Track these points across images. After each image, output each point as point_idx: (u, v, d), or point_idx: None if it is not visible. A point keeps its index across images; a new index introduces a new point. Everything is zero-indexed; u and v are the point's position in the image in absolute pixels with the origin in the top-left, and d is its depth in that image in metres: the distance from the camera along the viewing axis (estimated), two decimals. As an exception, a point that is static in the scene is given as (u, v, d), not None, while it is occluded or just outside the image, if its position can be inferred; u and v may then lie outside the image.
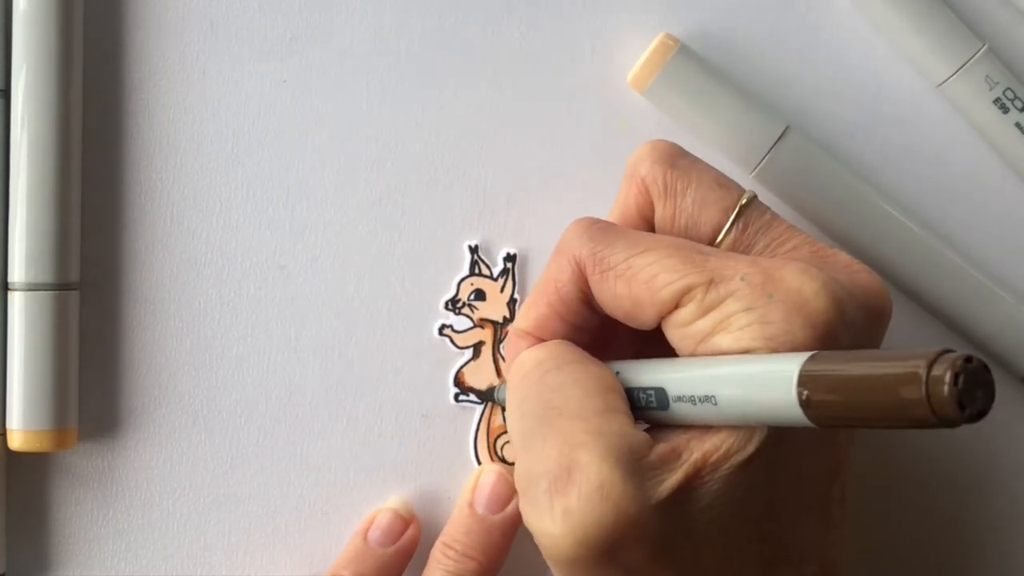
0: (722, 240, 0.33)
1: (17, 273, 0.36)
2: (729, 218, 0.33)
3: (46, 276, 0.36)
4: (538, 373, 0.32)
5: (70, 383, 0.37)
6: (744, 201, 0.33)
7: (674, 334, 0.31)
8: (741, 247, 0.33)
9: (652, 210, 0.34)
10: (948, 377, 0.22)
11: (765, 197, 0.39)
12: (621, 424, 0.29)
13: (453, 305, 0.39)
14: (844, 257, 0.32)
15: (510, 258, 0.39)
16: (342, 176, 0.39)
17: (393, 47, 0.39)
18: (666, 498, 0.28)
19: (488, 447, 0.39)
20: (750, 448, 0.29)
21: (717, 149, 0.38)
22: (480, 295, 0.39)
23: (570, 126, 0.39)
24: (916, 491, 0.40)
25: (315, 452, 0.39)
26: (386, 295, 0.39)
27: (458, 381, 0.39)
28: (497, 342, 0.39)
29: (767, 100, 0.39)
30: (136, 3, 0.38)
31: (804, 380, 0.25)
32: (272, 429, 0.39)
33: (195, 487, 0.39)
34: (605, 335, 0.34)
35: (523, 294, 0.39)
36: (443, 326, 0.39)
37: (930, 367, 0.23)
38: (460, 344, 0.39)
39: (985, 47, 0.38)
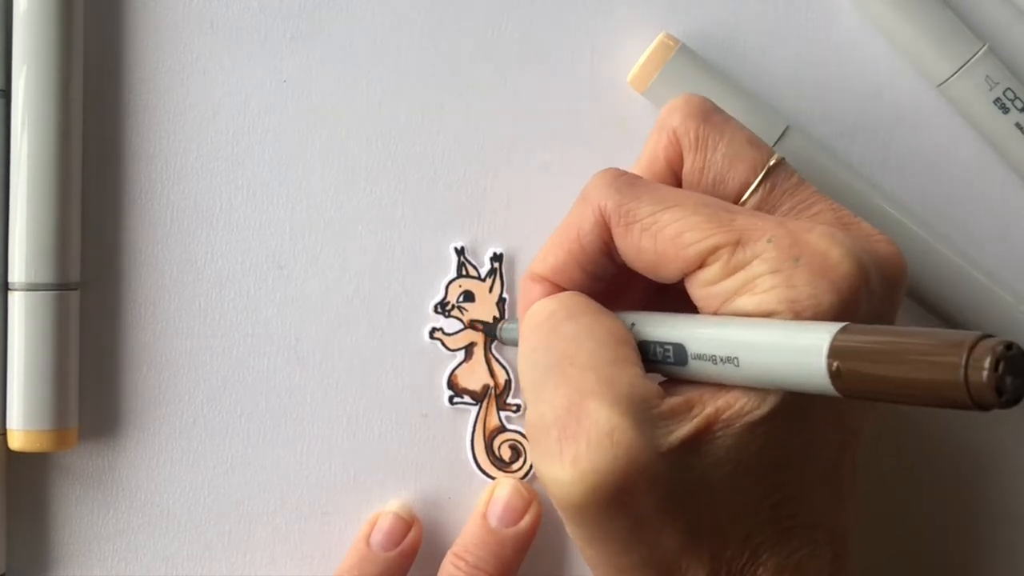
0: (748, 199, 0.33)
1: (17, 273, 0.36)
2: (757, 177, 0.33)
3: (46, 276, 0.36)
4: (551, 323, 0.32)
5: (70, 383, 0.37)
6: (773, 162, 0.33)
7: (697, 292, 0.31)
8: (766, 207, 0.33)
9: (680, 162, 0.33)
10: (988, 363, 0.22)
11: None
12: (632, 375, 0.29)
13: (442, 308, 0.39)
14: (867, 226, 0.32)
15: (497, 258, 0.39)
16: (342, 176, 0.39)
17: (393, 47, 0.39)
18: (676, 447, 0.28)
19: (484, 447, 0.39)
20: (764, 409, 0.29)
21: (717, 149, 0.38)
22: (469, 296, 0.39)
23: (570, 126, 0.39)
24: (924, 473, 0.40)
25: (315, 452, 0.39)
26: (386, 295, 0.39)
27: (451, 383, 0.39)
28: (489, 342, 0.39)
29: (767, 100, 0.39)
30: (136, 3, 0.38)
31: (835, 352, 0.25)
32: (272, 429, 0.39)
33: (195, 487, 0.39)
34: (619, 284, 0.34)
35: (512, 293, 0.39)
36: (433, 329, 0.39)
37: (971, 351, 0.22)
38: (451, 346, 0.39)
39: (985, 47, 0.38)
